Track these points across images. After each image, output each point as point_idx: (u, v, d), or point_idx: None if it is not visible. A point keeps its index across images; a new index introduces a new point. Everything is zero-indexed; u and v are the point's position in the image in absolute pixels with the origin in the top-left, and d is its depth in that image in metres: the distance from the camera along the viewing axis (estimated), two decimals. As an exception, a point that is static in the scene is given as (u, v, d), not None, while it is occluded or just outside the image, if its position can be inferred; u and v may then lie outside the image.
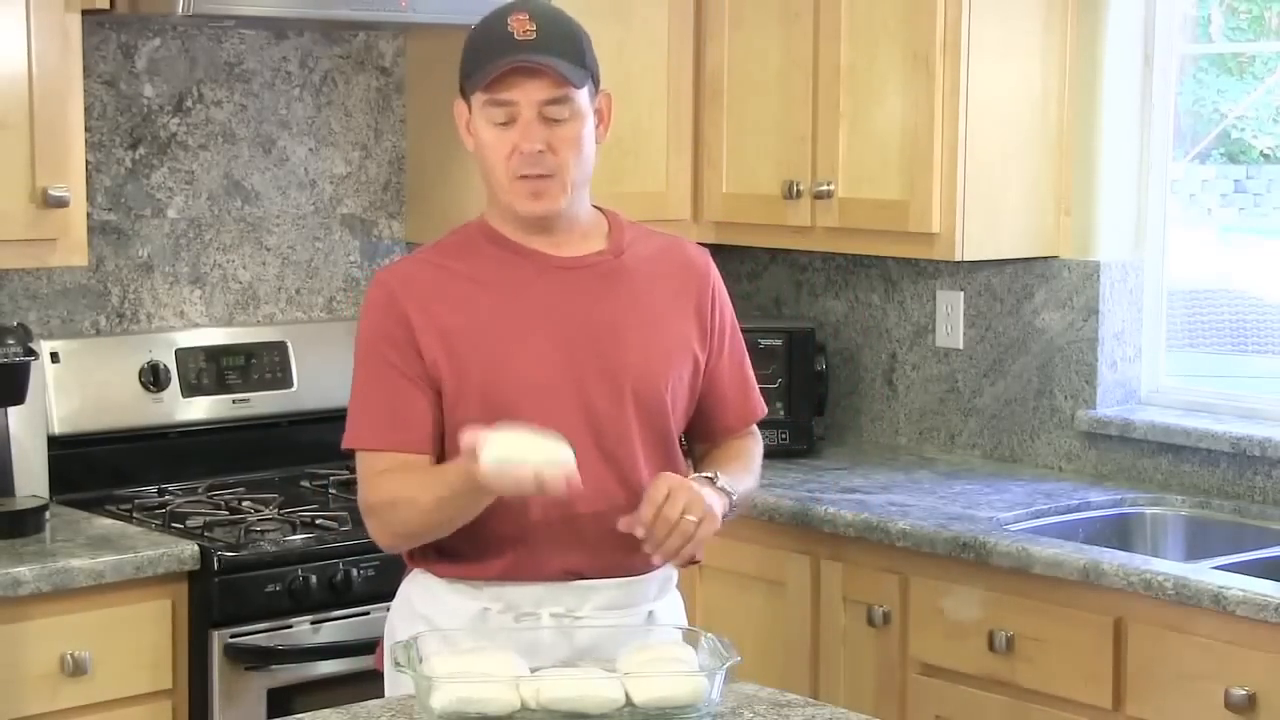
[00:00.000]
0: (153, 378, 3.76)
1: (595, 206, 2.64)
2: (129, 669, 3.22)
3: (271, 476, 3.87)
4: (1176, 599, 3.04)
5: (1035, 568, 3.23)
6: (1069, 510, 3.65)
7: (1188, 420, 3.78)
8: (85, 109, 3.54)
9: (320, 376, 3.94)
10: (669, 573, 2.66)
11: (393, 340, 2.51)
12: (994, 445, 4.09)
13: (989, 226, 3.80)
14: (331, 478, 3.78)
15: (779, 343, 4.13)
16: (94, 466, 3.70)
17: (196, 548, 3.28)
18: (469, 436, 2.30)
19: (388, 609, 2.69)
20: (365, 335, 2.56)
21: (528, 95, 2.45)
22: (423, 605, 2.57)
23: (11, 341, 3.35)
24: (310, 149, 4.08)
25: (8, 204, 3.29)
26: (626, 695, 2.16)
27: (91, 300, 3.80)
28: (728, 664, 2.20)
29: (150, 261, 3.88)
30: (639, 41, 4.07)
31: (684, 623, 2.65)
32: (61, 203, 3.31)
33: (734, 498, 2.55)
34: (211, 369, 3.85)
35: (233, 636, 3.27)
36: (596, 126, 2.54)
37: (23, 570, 3.08)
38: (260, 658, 3.30)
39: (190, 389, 3.82)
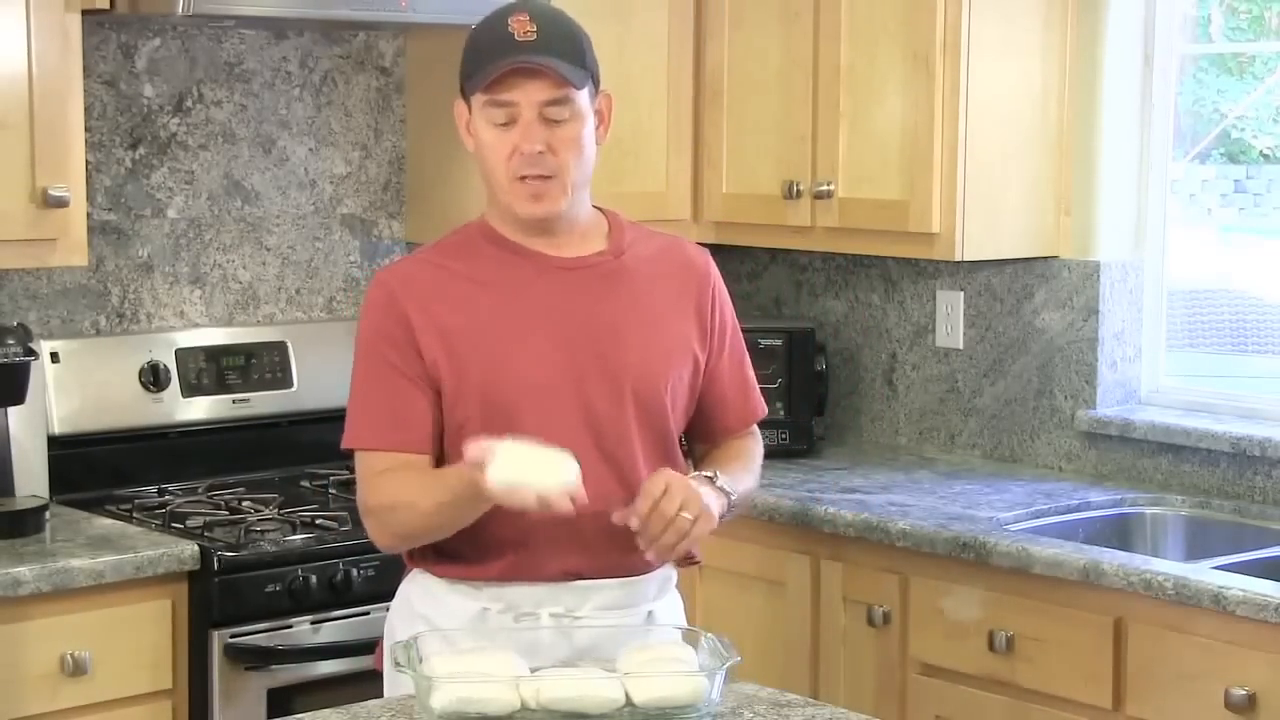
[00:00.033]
0: (153, 378, 3.76)
1: (595, 207, 2.64)
2: (129, 669, 3.22)
3: (271, 476, 3.87)
4: (1176, 599, 3.04)
5: (1035, 568, 3.23)
6: (1069, 510, 3.65)
7: (1188, 420, 3.78)
8: (85, 109, 3.54)
9: (320, 376, 3.93)
10: (668, 573, 2.66)
11: (392, 340, 2.51)
12: (994, 445, 4.09)
13: (989, 226, 3.80)
14: (331, 478, 3.78)
15: (779, 343, 4.13)
16: (94, 466, 3.70)
17: (196, 548, 3.28)
18: (475, 449, 2.29)
19: (387, 609, 2.69)
20: (365, 335, 2.56)
21: (528, 96, 2.45)
22: (422, 605, 2.57)
23: (11, 341, 3.35)
24: (310, 149, 4.08)
25: (8, 204, 3.29)
26: (626, 695, 2.16)
27: (91, 300, 3.80)
28: (728, 664, 2.20)
29: (150, 261, 3.88)
30: (639, 41, 4.07)
31: (683, 623, 2.65)
32: (61, 203, 3.31)
33: (732, 497, 2.55)
34: (211, 369, 3.85)
35: (233, 636, 3.27)
36: (597, 128, 2.54)
37: (23, 570, 3.08)
38: (260, 658, 3.30)
39: (190, 389, 3.82)
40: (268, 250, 4.04)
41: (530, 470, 2.28)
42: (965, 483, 3.83)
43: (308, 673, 3.35)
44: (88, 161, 3.63)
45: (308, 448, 3.89)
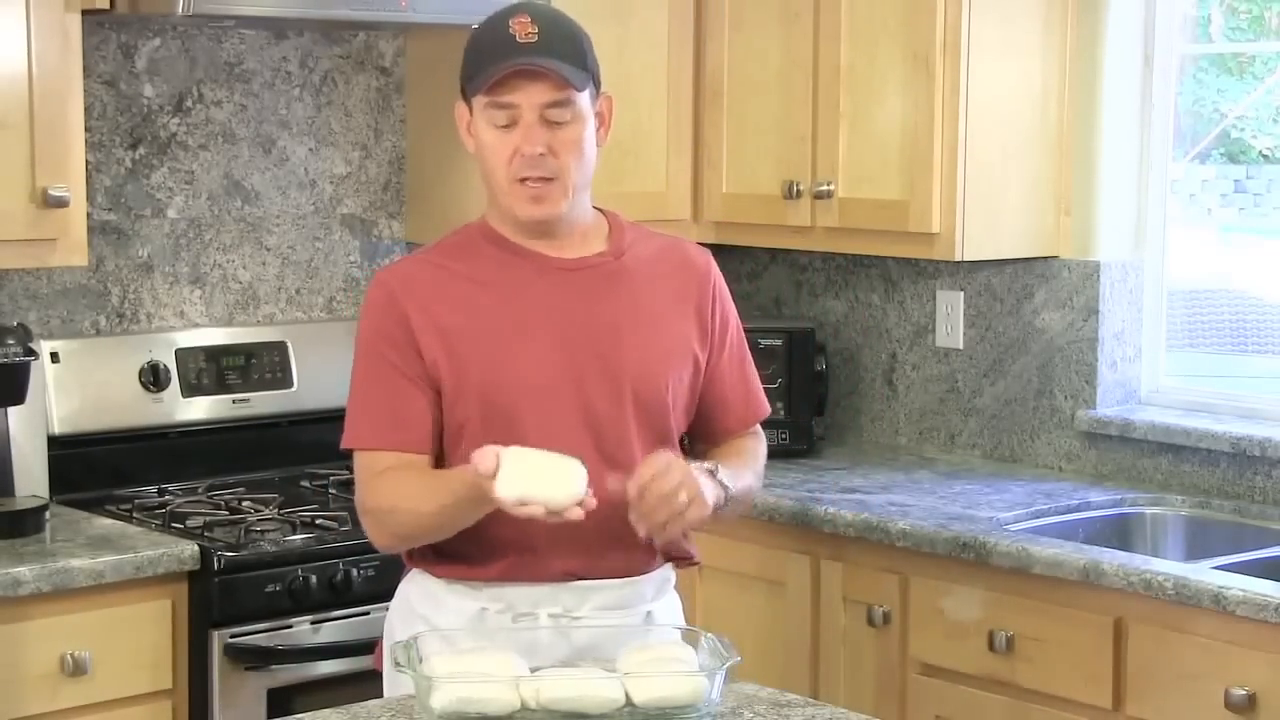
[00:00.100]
0: (153, 378, 3.76)
1: (595, 207, 2.64)
2: (129, 669, 3.22)
3: (271, 476, 3.87)
4: (1176, 599, 3.04)
5: (1035, 568, 3.23)
6: (1069, 510, 3.65)
7: (1188, 420, 3.78)
8: (85, 109, 3.54)
9: (320, 376, 3.93)
10: (667, 573, 2.66)
11: (392, 340, 2.52)
12: (994, 445, 4.09)
13: (989, 226, 3.80)
14: (331, 478, 3.78)
15: (779, 343, 4.13)
16: (94, 466, 3.70)
17: (196, 548, 3.28)
18: (482, 457, 2.27)
19: (387, 609, 2.69)
20: (365, 335, 2.56)
21: (529, 98, 2.45)
22: (421, 605, 2.57)
23: (11, 341, 3.35)
24: (310, 149, 4.08)
25: (8, 204, 3.29)
26: (626, 695, 2.16)
27: (91, 300, 3.80)
28: (728, 664, 2.19)
29: (150, 261, 3.88)
30: (639, 42, 4.07)
31: (682, 623, 2.65)
32: (61, 203, 3.31)
33: (730, 491, 2.53)
34: (211, 369, 3.85)
35: (233, 636, 3.27)
36: (597, 129, 2.54)
37: (23, 570, 3.08)
38: (260, 658, 3.30)
39: (190, 389, 3.82)
40: (268, 250, 4.04)
41: (539, 482, 2.26)
42: (965, 483, 3.83)
43: (308, 673, 3.35)
44: (88, 161, 3.63)
45: (308, 448, 3.89)
